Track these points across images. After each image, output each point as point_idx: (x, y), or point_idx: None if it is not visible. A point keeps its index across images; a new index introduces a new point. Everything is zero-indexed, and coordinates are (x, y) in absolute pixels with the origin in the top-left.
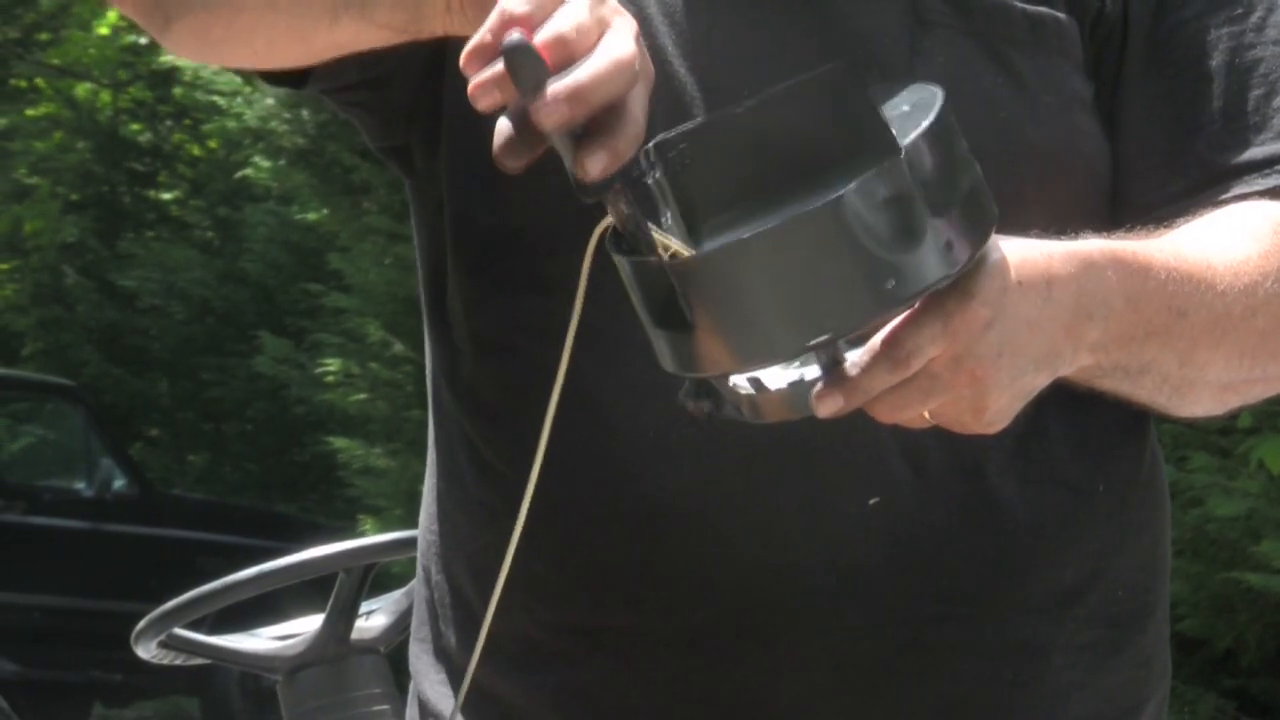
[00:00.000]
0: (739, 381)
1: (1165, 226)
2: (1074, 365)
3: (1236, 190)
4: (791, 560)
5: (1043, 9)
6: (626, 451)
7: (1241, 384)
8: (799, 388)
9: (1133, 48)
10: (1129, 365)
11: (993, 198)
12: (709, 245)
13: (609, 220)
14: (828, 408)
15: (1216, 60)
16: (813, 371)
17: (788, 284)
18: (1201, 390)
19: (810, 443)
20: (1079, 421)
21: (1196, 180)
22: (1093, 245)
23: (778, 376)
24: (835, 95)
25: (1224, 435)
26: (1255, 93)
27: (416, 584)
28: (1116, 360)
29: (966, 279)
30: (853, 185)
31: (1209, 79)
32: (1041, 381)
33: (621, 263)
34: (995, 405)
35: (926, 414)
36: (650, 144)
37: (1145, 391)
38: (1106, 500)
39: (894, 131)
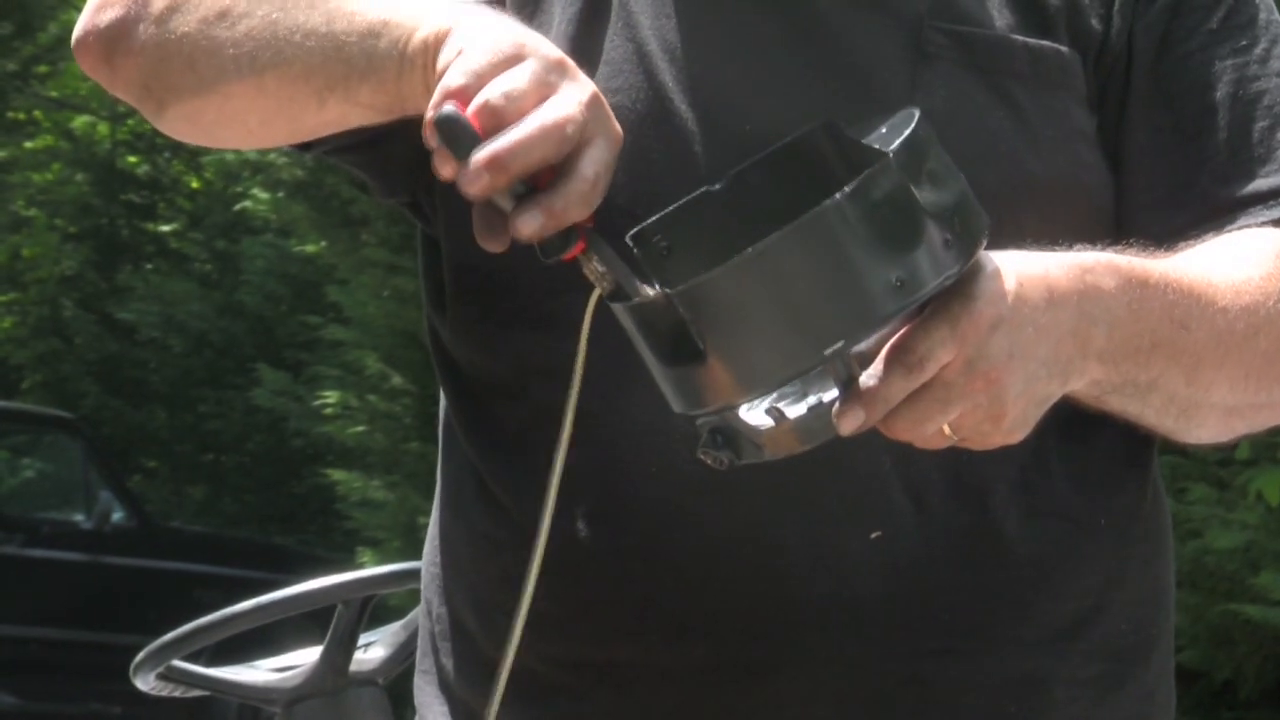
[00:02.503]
0: (756, 418)
1: (1165, 251)
2: (1085, 375)
3: (1241, 222)
4: (794, 594)
5: (1045, 42)
6: (628, 487)
7: (1247, 408)
8: (818, 411)
9: (1136, 80)
10: (1137, 379)
11: (981, 205)
12: (713, 270)
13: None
14: (850, 423)
15: (1221, 92)
16: (829, 394)
17: (796, 294)
18: (1208, 413)
19: (813, 477)
20: (1081, 455)
21: (1201, 213)
22: (1089, 255)
23: (795, 406)
24: (811, 155)
25: (1223, 467)
26: (1260, 125)
27: (420, 615)
28: (1125, 373)
29: (968, 282)
30: (846, 189)
31: (1213, 111)
32: (1055, 389)
33: (622, 311)
34: (1013, 411)
35: (947, 430)
36: (628, 236)
37: (1154, 411)
38: (1108, 534)
39: (873, 145)
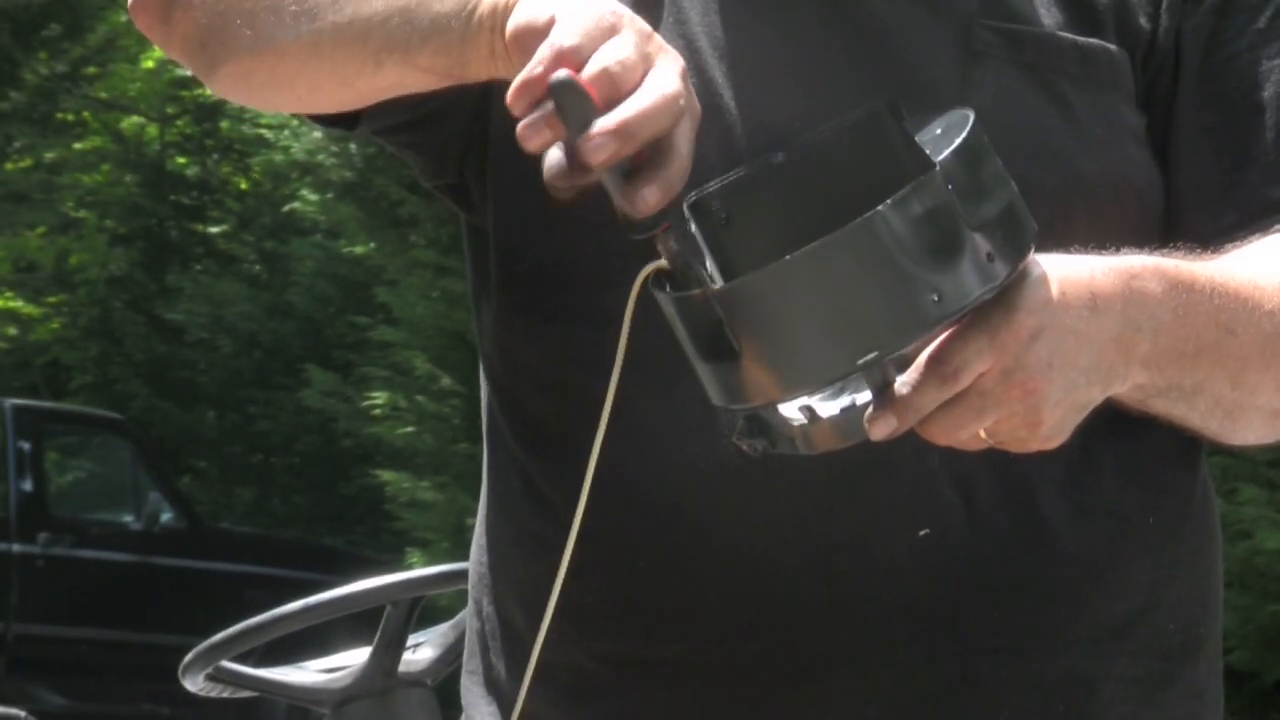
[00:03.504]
0: (790, 412)
1: (1212, 252)
2: (1128, 381)
3: None
4: (843, 593)
5: (1094, 40)
6: (678, 484)
7: None
8: (851, 413)
9: (1185, 79)
10: (1182, 384)
11: (1030, 214)
12: (749, 274)
13: (656, 264)
14: (881, 430)
15: (1269, 92)
16: (863, 396)
17: (831, 303)
18: (1254, 416)
19: (861, 475)
20: (1130, 452)
21: (1250, 212)
22: (1135, 260)
23: (829, 404)
24: (873, 136)
25: (1273, 468)
26: None
27: (467, 616)
28: (1170, 378)
29: (1010, 292)
30: (888, 201)
31: (1261, 110)
32: (1096, 395)
33: (665, 300)
34: (1050, 419)
35: (982, 433)
36: (685, 203)
37: (1199, 415)
38: (1157, 532)
39: (928, 152)
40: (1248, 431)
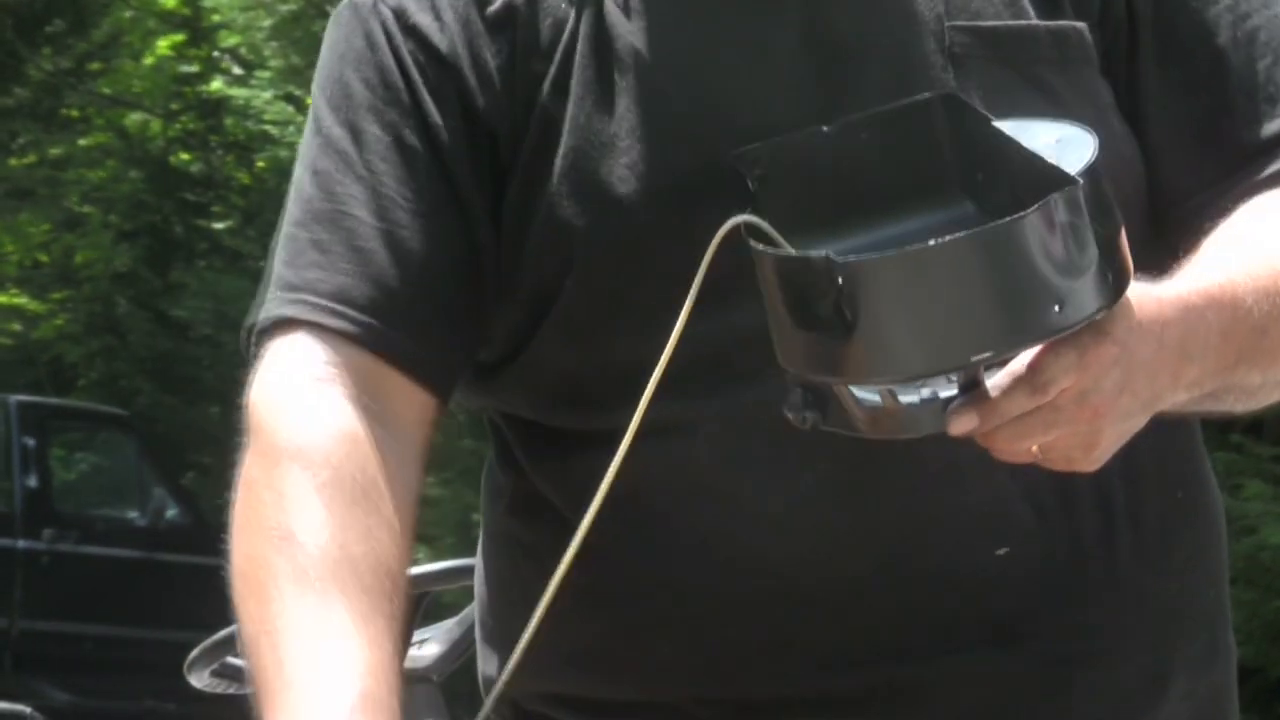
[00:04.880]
0: (865, 393)
1: (1220, 217)
2: (1170, 404)
3: (1274, 168)
4: (931, 618)
5: (1061, 22)
6: (751, 532)
7: None
8: (931, 405)
9: (1142, 40)
10: (1217, 391)
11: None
12: (887, 251)
13: (739, 218)
14: (963, 425)
15: (1223, 37)
16: (945, 390)
17: (960, 297)
18: (1273, 389)
19: (939, 497)
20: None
21: (1229, 161)
22: (1188, 288)
23: (908, 394)
24: (922, 124)
25: (1278, 463)
26: (1263, 63)
27: (475, 611)
28: (1207, 389)
29: (1105, 313)
30: (1035, 207)
31: (1221, 57)
32: (1141, 424)
33: (769, 259)
34: (1106, 442)
35: (1035, 449)
36: (732, 154)
37: (1225, 405)
38: (1184, 506)
39: (1052, 162)
40: (1263, 403)
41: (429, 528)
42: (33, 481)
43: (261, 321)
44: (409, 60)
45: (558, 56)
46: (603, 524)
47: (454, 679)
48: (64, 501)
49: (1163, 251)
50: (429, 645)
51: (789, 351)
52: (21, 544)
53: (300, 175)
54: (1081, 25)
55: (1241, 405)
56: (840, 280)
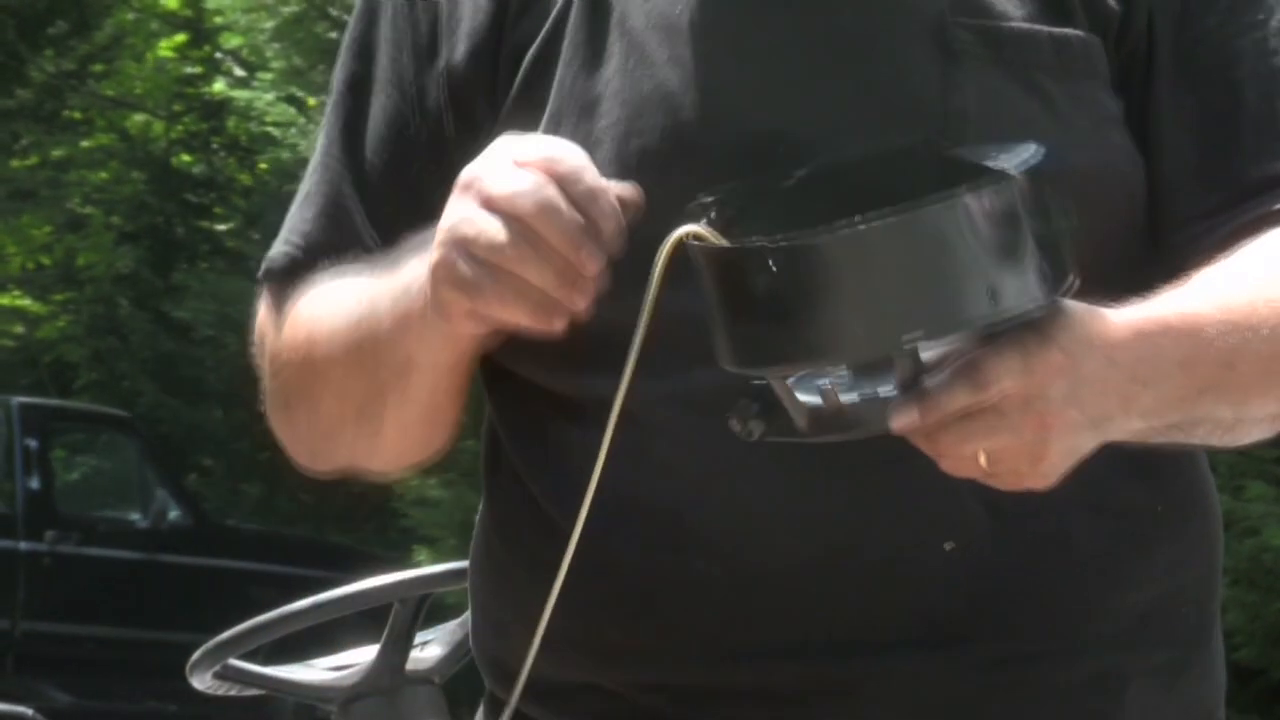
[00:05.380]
0: (806, 394)
1: (1214, 256)
2: (1123, 432)
3: (1274, 205)
4: (874, 610)
5: (1067, 30)
6: (698, 515)
7: None
8: (872, 403)
9: (1159, 60)
10: (1182, 423)
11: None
12: (819, 232)
13: (684, 229)
14: (904, 419)
15: (1242, 70)
16: (884, 389)
17: (895, 277)
18: (1252, 426)
19: (889, 491)
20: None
21: (1232, 194)
22: (1144, 314)
23: (848, 393)
24: (901, 168)
25: None
26: None
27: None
28: (1169, 420)
29: (1046, 323)
30: (970, 188)
31: (1238, 89)
32: (1090, 444)
33: (704, 252)
34: (1052, 458)
35: (983, 460)
36: (705, 195)
37: (1198, 438)
38: (1168, 518)
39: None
40: (1247, 438)
41: (431, 529)
42: (35, 483)
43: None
44: (409, 12)
45: (552, 16)
46: (564, 502)
47: (456, 680)
48: (66, 503)
49: (1159, 274)
50: (431, 647)
51: (729, 350)
52: (23, 545)
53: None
54: (1090, 36)
55: (1218, 439)
56: (773, 265)
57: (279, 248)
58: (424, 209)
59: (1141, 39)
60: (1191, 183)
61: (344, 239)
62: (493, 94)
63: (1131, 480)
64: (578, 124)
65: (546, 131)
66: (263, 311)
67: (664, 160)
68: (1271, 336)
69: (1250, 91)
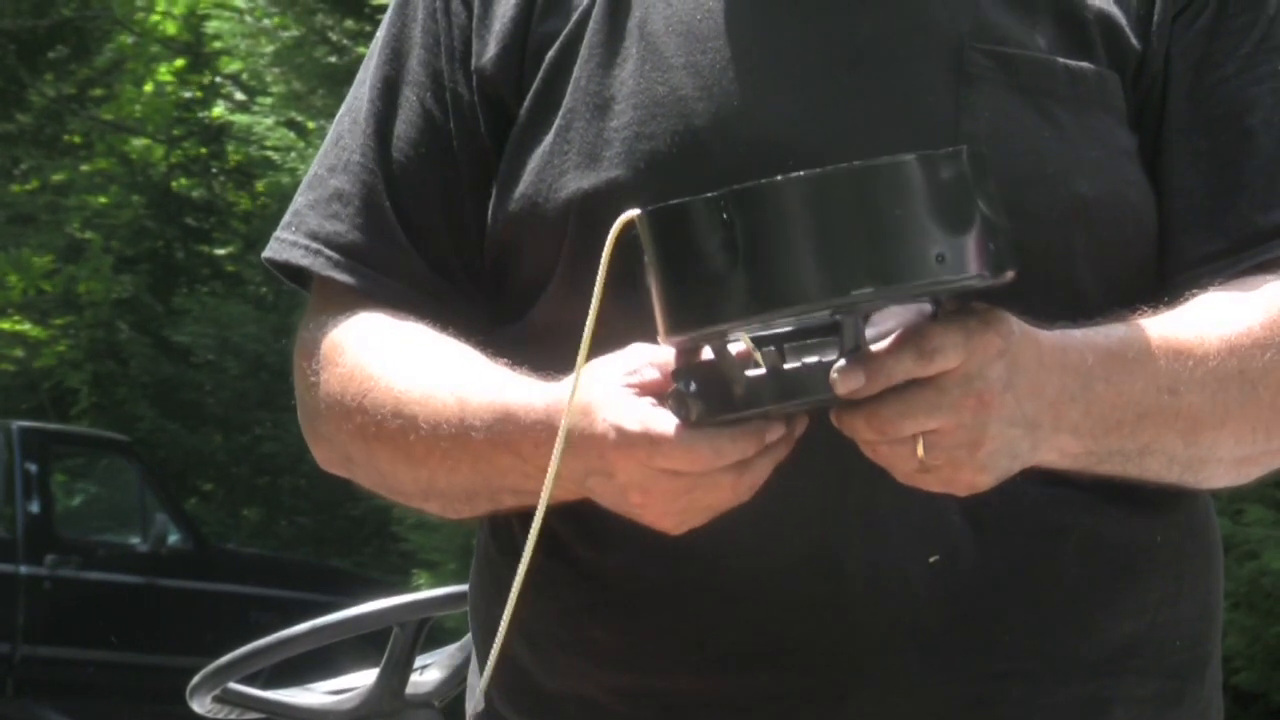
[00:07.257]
0: (752, 368)
1: (1183, 295)
2: (1055, 447)
3: (1277, 252)
4: (856, 620)
5: (1084, 64)
6: None
7: (1261, 455)
8: (815, 369)
9: (1174, 102)
10: (1125, 448)
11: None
12: (772, 178)
13: (630, 213)
14: (848, 383)
15: (1257, 118)
16: (828, 357)
17: (846, 228)
18: (1215, 466)
19: (873, 501)
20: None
21: (1238, 239)
22: (1070, 335)
23: (791, 361)
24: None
25: None
26: None
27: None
28: (1109, 445)
29: (987, 312)
30: (915, 154)
31: (1251, 137)
32: (1026, 449)
33: (649, 220)
34: (990, 445)
35: (921, 451)
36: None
37: (1153, 473)
38: (1163, 551)
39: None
40: (1213, 479)
41: (431, 553)
42: (34, 507)
43: (278, 252)
44: (444, 15)
45: (575, 16)
46: (557, 507)
47: (456, 704)
48: (66, 527)
49: (1160, 309)
50: (431, 671)
51: (674, 318)
52: (23, 569)
53: (344, 112)
54: (1108, 72)
55: (1177, 476)
56: (725, 214)
57: (307, 241)
58: (454, 209)
59: (1158, 81)
60: (1199, 226)
61: (382, 242)
62: (519, 93)
63: (1127, 510)
64: (590, 122)
65: (560, 127)
66: (312, 307)
67: (672, 164)
68: (1221, 369)
69: (1263, 139)
